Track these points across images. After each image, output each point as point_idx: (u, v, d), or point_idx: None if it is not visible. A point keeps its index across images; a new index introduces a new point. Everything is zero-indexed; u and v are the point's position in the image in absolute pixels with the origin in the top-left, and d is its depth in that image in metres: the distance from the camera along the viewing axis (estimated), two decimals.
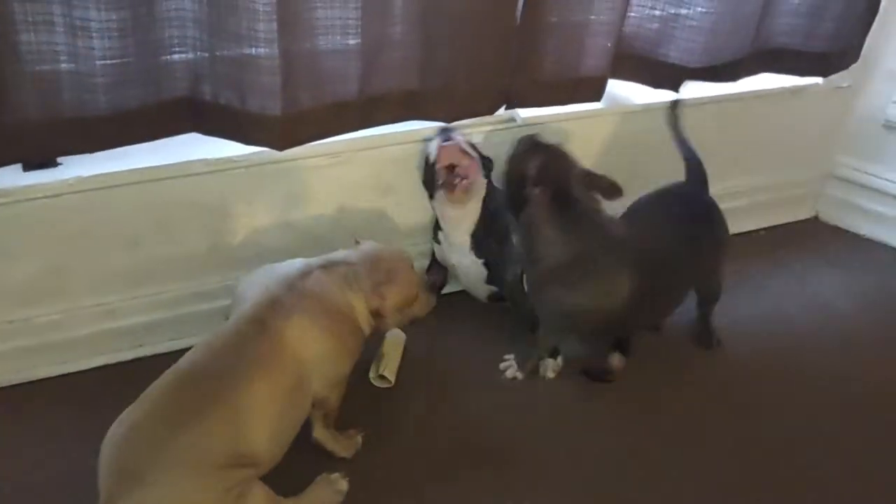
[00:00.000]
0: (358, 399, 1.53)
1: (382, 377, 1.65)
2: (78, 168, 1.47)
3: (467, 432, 1.55)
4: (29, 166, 1.44)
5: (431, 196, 1.75)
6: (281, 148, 1.46)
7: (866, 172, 2.34)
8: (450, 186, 1.64)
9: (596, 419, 1.61)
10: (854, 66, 2.19)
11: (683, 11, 1.77)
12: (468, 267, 1.77)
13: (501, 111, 1.78)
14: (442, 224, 1.76)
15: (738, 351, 1.83)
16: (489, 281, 1.78)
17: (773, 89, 2.13)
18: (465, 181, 1.64)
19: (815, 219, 2.47)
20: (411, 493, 1.41)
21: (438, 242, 1.80)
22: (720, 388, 1.72)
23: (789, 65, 1.99)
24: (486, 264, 1.75)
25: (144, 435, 1.12)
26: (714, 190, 1.77)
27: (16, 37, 1.21)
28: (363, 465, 1.45)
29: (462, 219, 1.71)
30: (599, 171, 1.50)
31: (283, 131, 1.43)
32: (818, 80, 2.16)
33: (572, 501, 1.42)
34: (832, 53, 1.98)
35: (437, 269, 1.87)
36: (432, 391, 1.65)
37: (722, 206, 1.73)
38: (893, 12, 2.17)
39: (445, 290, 1.90)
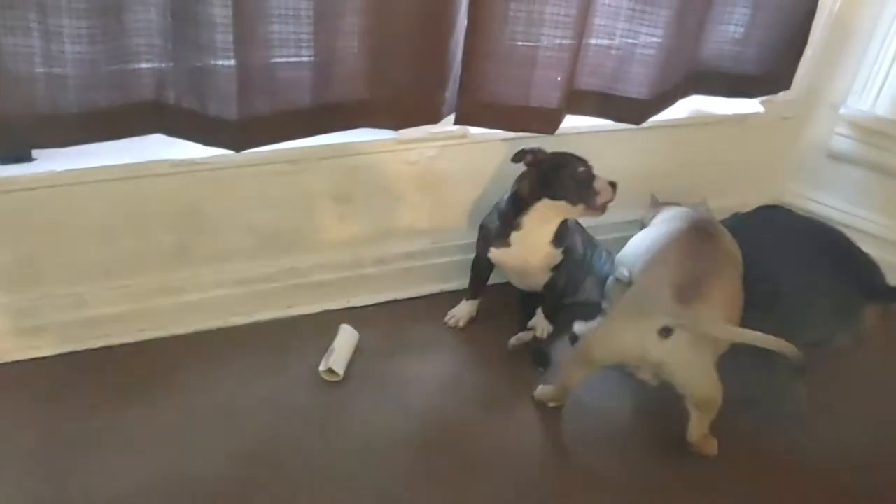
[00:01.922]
0: None
1: (331, 371, 1.76)
2: (52, 163, 1.60)
3: None
4: (5, 160, 1.57)
5: (540, 198, 1.79)
6: (237, 149, 1.59)
7: (813, 199, 2.45)
8: (601, 208, 1.76)
9: None
10: (798, 98, 2.32)
11: (635, 47, 1.89)
12: (543, 258, 1.86)
13: (454, 128, 1.91)
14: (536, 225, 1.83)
15: None
16: (556, 267, 1.89)
17: (717, 116, 2.26)
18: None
19: None
20: None
21: (508, 245, 1.86)
22: None
23: (719, 87, 2.11)
24: (563, 251, 1.87)
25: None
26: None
27: None
28: None
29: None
30: None
31: (239, 134, 1.56)
32: (760, 109, 2.29)
33: None
34: (759, 77, 2.10)
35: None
36: None
37: None
38: (836, 47, 2.31)
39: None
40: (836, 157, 2.40)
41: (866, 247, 1.93)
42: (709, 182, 2.37)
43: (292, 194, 1.85)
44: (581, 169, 1.77)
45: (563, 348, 1.92)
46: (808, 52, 2.22)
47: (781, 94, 2.25)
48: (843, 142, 2.38)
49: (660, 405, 1.70)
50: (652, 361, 1.54)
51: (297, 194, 1.85)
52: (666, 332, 1.50)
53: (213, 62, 1.48)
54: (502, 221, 1.84)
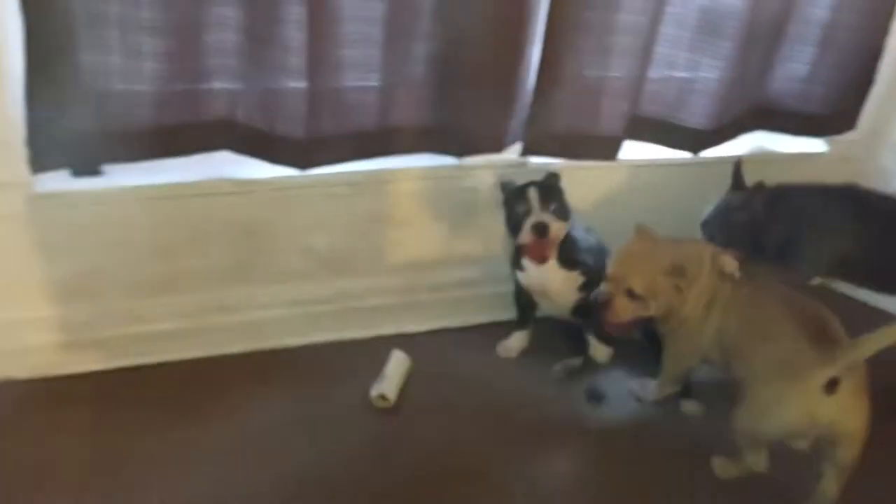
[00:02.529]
0: None
1: (383, 397, 1.74)
2: (119, 178, 1.62)
3: None
4: (77, 173, 1.59)
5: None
6: (302, 168, 1.60)
7: None
8: (541, 259, 1.77)
9: None
10: (862, 139, 2.28)
11: (697, 77, 1.89)
12: (560, 282, 1.84)
13: (514, 156, 1.90)
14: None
15: None
16: (583, 288, 1.85)
17: (781, 154, 2.22)
18: (550, 250, 1.76)
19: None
20: None
21: (522, 269, 1.86)
22: None
23: (783, 124, 2.09)
24: (582, 272, 1.84)
25: None
26: None
27: (78, 56, 1.38)
28: None
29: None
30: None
31: (304, 154, 1.58)
32: (825, 148, 2.25)
33: None
34: (824, 116, 2.07)
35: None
36: None
37: None
38: None
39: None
40: None
41: None
42: None
43: (350, 217, 1.85)
44: (519, 210, 1.75)
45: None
46: (873, 91, 2.18)
47: (846, 134, 2.21)
48: None
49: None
50: (822, 424, 1.35)
51: (355, 217, 1.86)
52: (832, 384, 1.32)
53: (285, 84, 1.50)
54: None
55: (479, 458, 1.64)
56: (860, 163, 2.36)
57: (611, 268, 1.64)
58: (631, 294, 1.58)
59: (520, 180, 1.80)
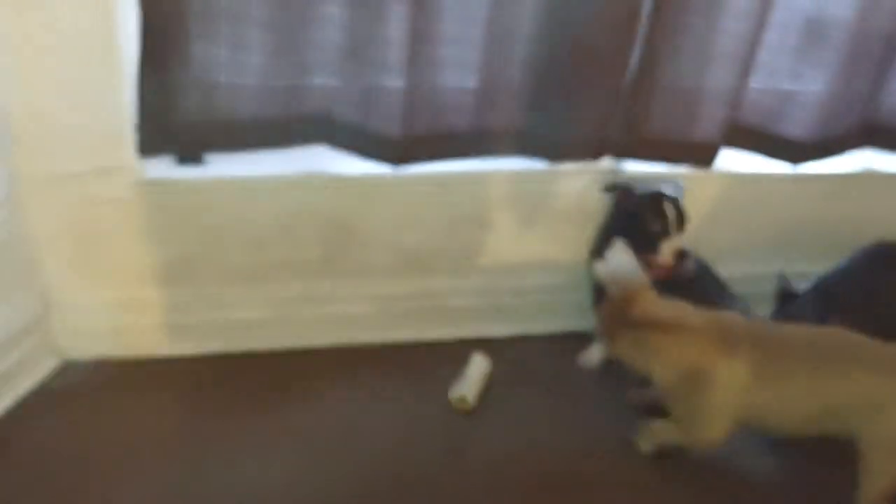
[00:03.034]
0: None
1: (463, 398, 1.73)
2: (220, 169, 1.67)
3: None
4: (181, 161, 1.65)
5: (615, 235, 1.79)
6: (396, 164, 1.61)
7: None
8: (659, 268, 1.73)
9: None
10: None
11: (800, 87, 1.82)
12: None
13: (606, 162, 1.87)
14: None
15: None
16: None
17: (889, 174, 2.11)
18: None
19: None
20: None
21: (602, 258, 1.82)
22: None
23: (894, 142, 1.98)
24: None
25: None
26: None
27: (189, 47, 1.43)
28: None
29: None
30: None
31: (398, 151, 1.59)
32: None
33: None
34: None
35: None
36: None
37: None
38: None
39: None
40: None
41: None
42: (868, 239, 2.21)
43: (438, 216, 1.85)
44: (653, 227, 1.71)
45: None
46: None
47: None
48: None
49: None
50: None
51: (443, 216, 1.86)
52: None
53: (384, 81, 1.51)
54: (593, 247, 1.84)
55: (555, 466, 1.61)
56: None
57: None
58: None
59: (637, 184, 1.77)
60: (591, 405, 1.81)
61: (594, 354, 1.90)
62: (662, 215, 1.70)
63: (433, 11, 1.47)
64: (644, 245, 1.71)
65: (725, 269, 1.88)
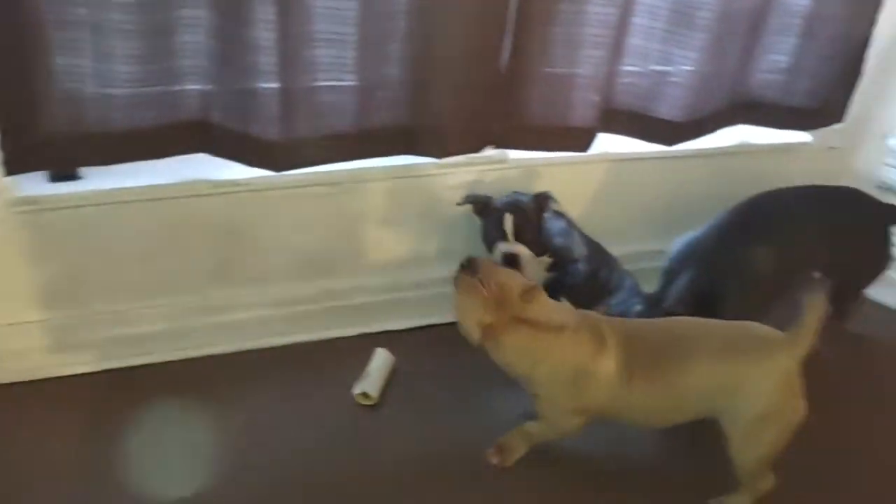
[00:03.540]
0: None
1: (365, 394, 1.74)
2: (98, 182, 1.63)
3: None
4: (55, 177, 1.60)
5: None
6: (278, 170, 1.60)
7: None
8: None
9: None
10: (847, 128, 2.27)
11: (671, 69, 1.88)
12: (530, 264, 1.84)
13: (494, 153, 1.91)
14: None
15: None
16: (551, 268, 1.88)
17: (762, 145, 2.22)
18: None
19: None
20: None
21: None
22: None
23: (767, 117, 2.08)
24: (551, 255, 1.86)
25: None
26: None
27: (50, 59, 1.39)
28: None
29: None
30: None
31: (281, 155, 1.58)
32: (808, 139, 2.25)
33: None
34: (810, 109, 2.06)
35: None
36: None
37: None
38: (884, 78, 2.26)
39: None
40: (886, 187, 2.34)
41: None
42: None
43: (332, 216, 1.85)
44: (492, 232, 1.80)
45: None
46: (860, 81, 2.18)
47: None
48: (893, 172, 2.32)
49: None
50: None
51: (337, 216, 1.86)
52: None
53: (257, 84, 1.50)
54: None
55: (460, 457, 1.64)
56: (845, 152, 2.36)
57: None
58: None
59: (493, 194, 1.85)
60: (495, 392, 1.84)
61: None
62: (499, 227, 1.79)
63: (301, 13, 1.47)
64: (489, 247, 1.84)
65: (613, 250, 1.94)
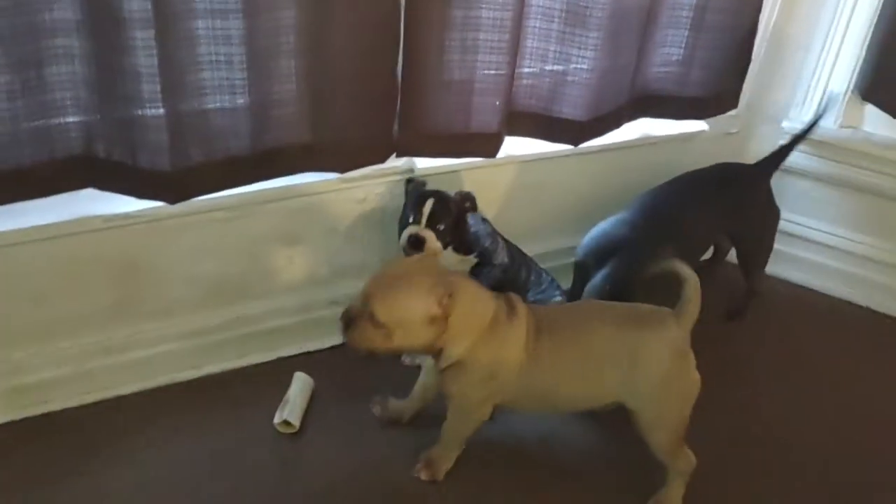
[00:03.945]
0: None
1: (287, 423, 1.69)
2: None
3: None
4: None
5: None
6: (173, 202, 1.53)
7: None
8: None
9: None
10: (742, 114, 2.35)
11: (570, 69, 1.89)
12: (455, 265, 1.83)
13: (400, 163, 1.88)
14: None
15: None
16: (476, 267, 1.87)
17: (662, 136, 2.26)
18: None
19: None
20: None
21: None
22: None
23: (665, 110, 2.13)
24: (477, 255, 1.85)
25: None
26: None
27: None
28: None
29: None
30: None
31: (174, 186, 1.51)
32: (705, 127, 2.31)
33: None
34: (705, 99, 2.12)
35: None
36: None
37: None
38: (775, 64, 2.34)
39: None
40: (781, 168, 2.42)
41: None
42: None
43: (236, 241, 1.79)
44: (410, 218, 1.76)
45: None
46: (750, 67, 2.25)
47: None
48: None
49: None
50: None
51: (242, 241, 1.80)
52: None
53: (141, 113, 1.43)
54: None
55: (387, 478, 1.62)
56: (741, 137, 2.43)
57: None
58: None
59: (435, 185, 1.82)
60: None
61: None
62: (419, 210, 1.74)
63: (182, 36, 1.40)
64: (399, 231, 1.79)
65: (527, 249, 1.95)
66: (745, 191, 2.10)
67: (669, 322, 1.47)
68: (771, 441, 1.81)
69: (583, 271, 1.92)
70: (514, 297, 1.52)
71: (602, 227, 1.94)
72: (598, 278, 1.86)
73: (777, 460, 1.76)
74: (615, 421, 1.57)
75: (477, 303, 1.45)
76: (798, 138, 2.13)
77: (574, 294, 1.95)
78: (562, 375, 1.50)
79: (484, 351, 1.45)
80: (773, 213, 2.16)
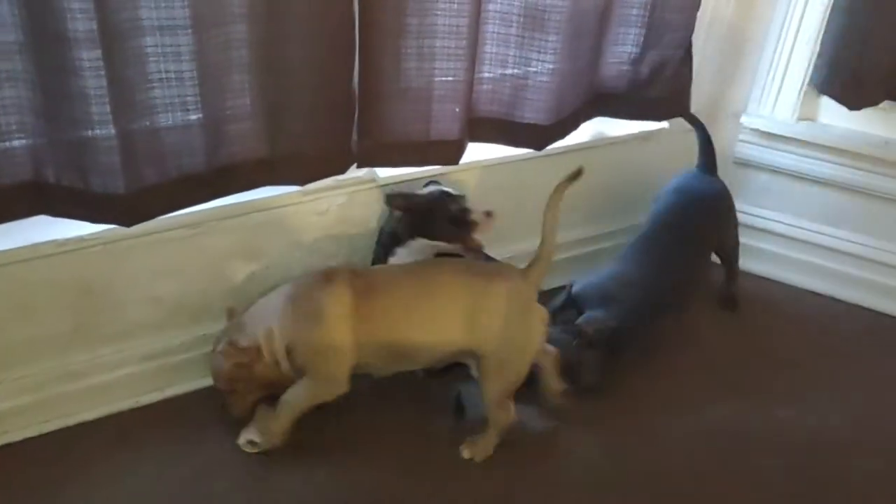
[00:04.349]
0: None
1: (252, 442, 1.66)
2: None
3: None
4: None
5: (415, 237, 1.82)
6: (128, 224, 1.49)
7: None
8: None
9: None
10: (700, 109, 2.34)
11: (530, 73, 1.88)
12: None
13: (362, 173, 1.86)
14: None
15: None
16: None
17: (623, 136, 2.26)
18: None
19: None
20: None
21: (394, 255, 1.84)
22: None
23: (618, 109, 2.13)
24: None
25: None
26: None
27: None
28: None
29: None
30: None
31: (129, 208, 1.47)
32: (665, 124, 2.31)
33: None
34: (657, 99, 2.11)
35: None
36: None
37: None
38: (733, 59, 2.36)
39: None
40: (742, 162, 2.45)
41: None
42: (620, 201, 2.38)
43: (196, 259, 1.75)
44: (454, 207, 1.77)
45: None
46: (707, 63, 2.25)
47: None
48: (747, 148, 2.43)
49: None
50: None
51: (201, 258, 1.76)
52: None
53: (91, 134, 1.39)
54: (381, 254, 1.86)
55: (369, 493, 1.61)
56: None
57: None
58: None
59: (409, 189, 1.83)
60: (397, 416, 1.81)
61: None
62: (452, 196, 1.79)
63: (129, 55, 1.36)
64: (456, 230, 1.78)
65: (493, 253, 1.94)
66: (723, 208, 2.20)
67: (514, 275, 1.59)
68: (727, 436, 1.83)
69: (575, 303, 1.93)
70: (336, 268, 1.64)
71: (602, 276, 1.98)
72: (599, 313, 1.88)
73: (738, 457, 1.78)
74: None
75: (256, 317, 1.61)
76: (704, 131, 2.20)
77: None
78: (403, 327, 1.56)
79: (295, 328, 1.56)
80: (734, 207, 2.23)
